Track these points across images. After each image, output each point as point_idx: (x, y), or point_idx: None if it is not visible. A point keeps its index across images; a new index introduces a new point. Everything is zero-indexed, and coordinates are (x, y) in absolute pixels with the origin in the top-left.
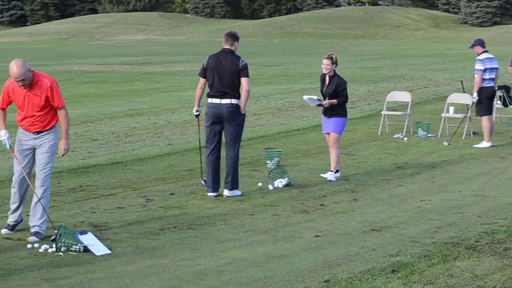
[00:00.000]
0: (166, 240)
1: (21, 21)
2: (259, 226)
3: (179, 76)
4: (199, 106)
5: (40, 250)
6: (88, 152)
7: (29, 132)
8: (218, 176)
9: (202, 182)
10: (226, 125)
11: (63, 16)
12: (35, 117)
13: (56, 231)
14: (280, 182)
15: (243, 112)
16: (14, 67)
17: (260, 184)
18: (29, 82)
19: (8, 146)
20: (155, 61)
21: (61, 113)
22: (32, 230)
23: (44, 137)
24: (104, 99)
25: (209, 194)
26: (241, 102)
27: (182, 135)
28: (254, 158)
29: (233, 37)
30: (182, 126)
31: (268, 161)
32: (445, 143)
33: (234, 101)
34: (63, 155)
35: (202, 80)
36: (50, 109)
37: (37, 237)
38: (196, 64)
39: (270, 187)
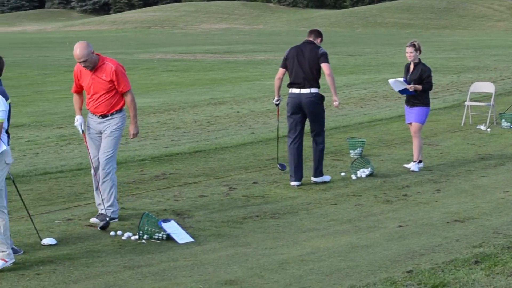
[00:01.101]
0: (249, 229)
1: (104, 9)
2: (342, 215)
3: (261, 65)
4: (279, 96)
5: (123, 238)
6: (171, 140)
7: (95, 115)
8: (300, 165)
9: (278, 166)
10: (308, 114)
11: (146, 4)
12: (100, 100)
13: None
14: (363, 172)
15: (337, 102)
16: (77, 49)
17: (343, 173)
18: (93, 64)
19: (80, 131)
20: (237, 50)
21: (127, 98)
22: (100, 212)
23: (109, 121)
24: (186, 87)
25: (292, 183)
26: (331, 89)
27: (264, 124)
28: (337, 148)
29: (317, 33)
30: (264, 115)
31: (351, 151)
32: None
33: (313, 90)
34: (132, 138)
35: (281, 70)
36: (115, 93)
37: (97, 219)
38: (279, 53)
39: (353, 176)
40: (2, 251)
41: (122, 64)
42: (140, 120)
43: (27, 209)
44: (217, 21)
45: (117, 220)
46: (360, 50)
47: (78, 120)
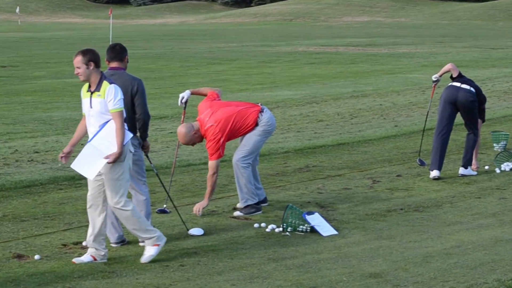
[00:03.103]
0: (393, 222)
1: (245, 1)
2: (486, 209)
3: (404, 58)
4: (440, 76)
5: (267, 230)
6: (314, 133)
7: None
8: (443, 156)
9: (418, 161)
10: (461, 109)
11: None
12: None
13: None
14: (507, 166)
15: (476, 166)
16: (179, 137)
17: (487, 167)
18: (199, 140)
19: (179, 103)
20: (379, 42)
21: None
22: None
23: None
24: (329, 80)
25: (432, 172)
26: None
27: (408, 117)
28: (480, 141)
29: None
30: (408, 108)
31: (495, 144)
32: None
33: (473, 89)
34: (196, 213)
35: (457, 70)
36: (236, 127)
37: (241, 212)
38: (421, 46)
39: (497, 170)
40: (150, 237)
41: (219, 128)
42: (283, 113)
43: (172, 201)
44: (358, 14)
45: (261, 212)
46: (502, 43)
47: (186, 91)
